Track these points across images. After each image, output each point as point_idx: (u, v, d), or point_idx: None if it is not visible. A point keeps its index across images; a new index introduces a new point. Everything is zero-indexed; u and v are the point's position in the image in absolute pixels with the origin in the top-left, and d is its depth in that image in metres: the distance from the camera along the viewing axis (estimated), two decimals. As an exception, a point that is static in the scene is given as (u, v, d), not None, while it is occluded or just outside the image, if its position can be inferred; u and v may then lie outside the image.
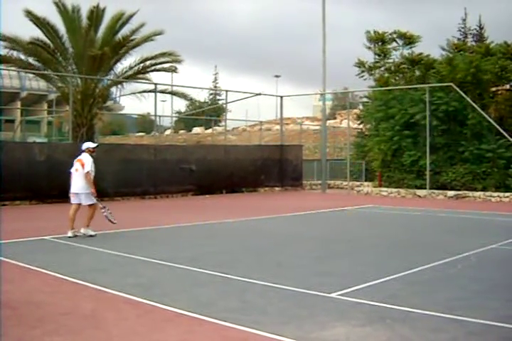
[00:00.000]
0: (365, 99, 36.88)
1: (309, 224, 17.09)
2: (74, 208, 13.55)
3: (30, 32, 26.59)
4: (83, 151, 13.80)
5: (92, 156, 13.69)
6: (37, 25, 26.43)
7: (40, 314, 6.81)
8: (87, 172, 13.34)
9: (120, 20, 27.79)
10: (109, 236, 13.57)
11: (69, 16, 26.84)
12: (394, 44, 34.28)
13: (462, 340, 5.84)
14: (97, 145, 14.20)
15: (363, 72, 34.30)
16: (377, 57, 34.04)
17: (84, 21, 26.97)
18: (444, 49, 32.07)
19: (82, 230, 13.40)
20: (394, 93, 29.60)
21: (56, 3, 26.67)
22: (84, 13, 27.01)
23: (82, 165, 13.41)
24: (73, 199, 13.65)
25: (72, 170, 13.60)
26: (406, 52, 33.53)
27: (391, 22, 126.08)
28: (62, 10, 26.76)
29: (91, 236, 13.30)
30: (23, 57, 27.35)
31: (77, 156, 13.80)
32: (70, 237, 13.08)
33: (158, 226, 15.30)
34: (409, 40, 34.03)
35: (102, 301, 7.48)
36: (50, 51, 27.03)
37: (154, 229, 14.89)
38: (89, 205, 13.58)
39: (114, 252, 11.14)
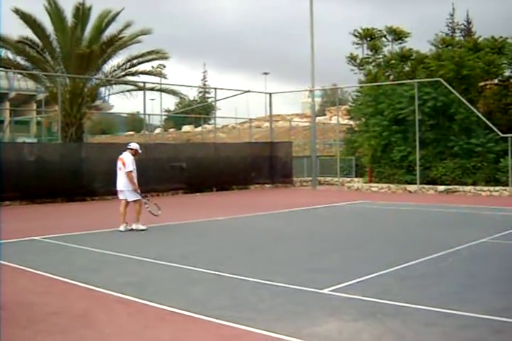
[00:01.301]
0: (354, 94, 36.91)
1: (300, 220, 17.10)
2: (123, 204, 14.39)
3: (18, 31, 26.54)
4: (126, 149, 14.71)
5: (133, 156, 14.51)
6: (26, 24, 26.30)
7: (32, 314, 6.79)
8: (129, 171, 14.14)
9: (106, 19, 27.73)
10: (100, 235, 13.55)
11: (57, 15, 26.73)
12: (383, 40, 34.32)
13: (455, 334, 5.85)
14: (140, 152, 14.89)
15: (354, 66, 34.34)
16: (369, 52, 34.07)
17: (71, 20, 26.90)
18: (433, 44, 32.12)
19: (134, 225, 14.22)
20: (383, 88, 29.63)
21: (46, 2, 26.57)
22: (70, 11, 27.00)
23: (124, 164, 14.24)
24: (120, 196, 14.57)
25: (117, 168, 14.44)
26: (396, 47, 33.62)
27: (380, 17, 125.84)
28: (52, 8, 26.65)
29: (142, 230, 14.08)
30: (11, 56, 27.28)
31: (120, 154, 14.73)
32: (121, 231, 13.97)
33: (149, 224, 15.24)
34: (398, 35, 34.08)
35: (94, 300, 7.46)
36: (39, 50, 26.97)
37: (144, 227, 14.84)
38: (134, 201, 14.36)
39: (105, 251, 11.12)
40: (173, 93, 31.71)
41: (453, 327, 6.04)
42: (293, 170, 33.32)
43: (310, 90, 35.10)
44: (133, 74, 29.42)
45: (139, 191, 14.30)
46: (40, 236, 13.23)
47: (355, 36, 34.54)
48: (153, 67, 30.88)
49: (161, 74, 31.49)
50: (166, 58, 29.78)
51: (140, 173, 23.65)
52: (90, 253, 11.05)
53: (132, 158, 14.37)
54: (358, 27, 34.81)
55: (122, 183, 14.33)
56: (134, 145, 14.78)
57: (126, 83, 29.74)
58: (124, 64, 28.76)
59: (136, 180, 14.32)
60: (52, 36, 26.94)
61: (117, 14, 27.82)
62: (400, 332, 5.90)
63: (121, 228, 14.03)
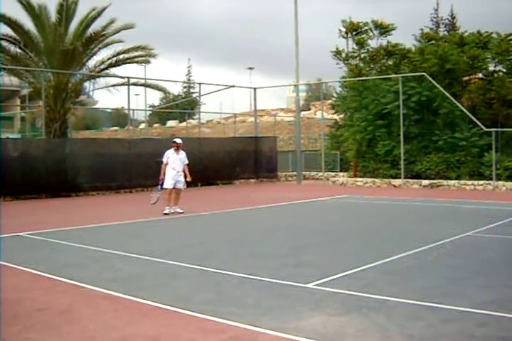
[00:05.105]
0: (339, 89, 36.96)
1: (285, 215, 17.13)
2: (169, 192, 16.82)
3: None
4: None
5: (176, 149, 16.77)
6: (5, 23, 26.03)
7: (17, 311, 6.77)
8: (162, 163, 16.74)
9: (91, 14, 27.55)
10: (85, 231, 13.51)
11: (35, 12, 26.46)
12: (369, 33, 34.33)
13: (438, 327, 5.88)
14: (181, 143, 16.97)
15: (339, 60, 34.34)
16: (354, 46, 34.08)
17: (54, 15, 26.72)
18: (417, 40, 32.21)
19: (174, 209, 16.70)
20: (367, 83, 29.67)
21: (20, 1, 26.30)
22: (53, 7, 26.83)
23: None
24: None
25: None
26: (381, 41, 33.64)
27: (362, 11, 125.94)
28: (27, 6, 26.38)
29: (180, 213, 16.60)
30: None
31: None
32: (165, 214, 16.37)
33: (134, 220, 15.24)
34: (384, 29, 34.09)
35: (79, 296, 7.44)
36: (21, 46, 26.74)
37: (130, 223, 14.83)
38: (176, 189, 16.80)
39: (90, 247, 11.09)
40: (158, 88, 31.60)
41: (437, 320, 6.08)
42: (278, 165, 33.40)
43: (294, 85, 35.12)
44: (116, 64, 29.15)
45: (161, 181, 16.64)
46: (25, 232, 13.17)
47: (343, 27, 34.52)
48: (137, 62, 30.55)
49: (144, 62, 31.23)
50: (153, 56, 29.61)
51: (125, 168, 23.76)
52: (75, 249, 11.02)
53: (171, 151, 16.66)
54: (343, 19, 34.80)
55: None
56: (178, 141, 17.04)
57: (110, 76, 29.52)
58: (109, 59, 28.59)
59: (169, 172, 16.56)
60: (34, 32, 26.68)
61: (103, 10, 27.63)
62: (384, 325, 5.93)
63: (166, 211, 16.48)
